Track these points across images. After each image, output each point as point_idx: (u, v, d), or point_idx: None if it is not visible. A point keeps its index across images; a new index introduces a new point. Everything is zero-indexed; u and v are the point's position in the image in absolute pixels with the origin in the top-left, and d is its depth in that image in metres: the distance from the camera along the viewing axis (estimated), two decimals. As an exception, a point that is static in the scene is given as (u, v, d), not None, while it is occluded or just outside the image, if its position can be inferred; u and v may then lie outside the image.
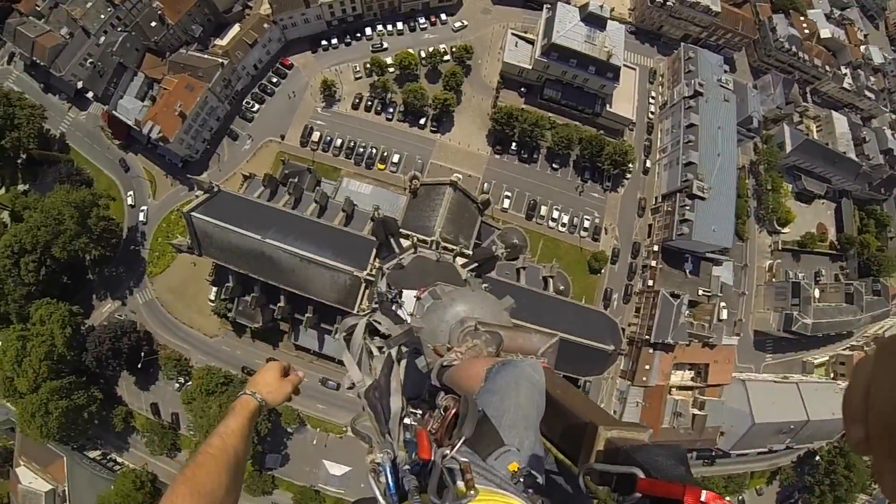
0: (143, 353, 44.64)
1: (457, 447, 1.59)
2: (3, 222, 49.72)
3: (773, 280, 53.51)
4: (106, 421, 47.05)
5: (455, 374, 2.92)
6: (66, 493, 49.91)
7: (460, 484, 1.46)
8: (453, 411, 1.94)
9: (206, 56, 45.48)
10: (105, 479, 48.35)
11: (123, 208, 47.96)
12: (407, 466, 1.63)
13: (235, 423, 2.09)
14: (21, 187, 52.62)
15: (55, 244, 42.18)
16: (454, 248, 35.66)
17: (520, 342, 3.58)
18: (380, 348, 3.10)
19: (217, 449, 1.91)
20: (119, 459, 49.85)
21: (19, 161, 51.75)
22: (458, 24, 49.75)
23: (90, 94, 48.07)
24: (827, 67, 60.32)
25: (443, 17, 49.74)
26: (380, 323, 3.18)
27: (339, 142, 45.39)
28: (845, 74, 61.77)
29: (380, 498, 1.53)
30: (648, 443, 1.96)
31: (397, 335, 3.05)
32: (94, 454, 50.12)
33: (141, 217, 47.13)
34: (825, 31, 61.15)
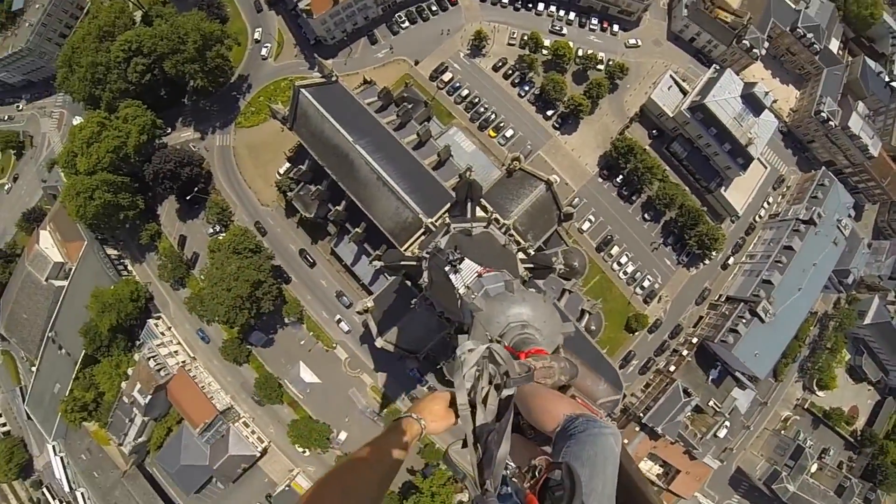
0: (196, 189, 46.53)
1: None
2: (133, 19, 52.03)
3: (782, 432, 51.17)
4: (136, 230, 49.70)
5: (527, 395, 2.74)
6: (72, 272, 53.34)
7: None
8: (545, 474, 1.84)
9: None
10: (110, 277, 51.32)
11: (244, 55, 49.42)
12: None
13: (397, 442, 2.15)
14: (163, -4, 54.78)
15: (169, 59, 43.97)
16: (521, 242, 35.33)
17: (588, 384, 3.46)
18: (491, 377, 2.99)
19: (374, 459, 1.97)
20: (130, 268, 52.78)
21: (173, -27, 53.68)
22: (631, 41, 48.50)
23: (263, -60, 49.13)
24: (947, 265, 55.89)
25: (615, 27, 48.41)
26: (499, 354, 3.10)
27: (465, 92, 45.42)
28: (961, 281, 57.12)
29: None
30: None
31: (519, 376, 2.93)
32: (111, 252, 53.21)
33: (263, 52, 48.43)
34: (965, 230, 56.44)
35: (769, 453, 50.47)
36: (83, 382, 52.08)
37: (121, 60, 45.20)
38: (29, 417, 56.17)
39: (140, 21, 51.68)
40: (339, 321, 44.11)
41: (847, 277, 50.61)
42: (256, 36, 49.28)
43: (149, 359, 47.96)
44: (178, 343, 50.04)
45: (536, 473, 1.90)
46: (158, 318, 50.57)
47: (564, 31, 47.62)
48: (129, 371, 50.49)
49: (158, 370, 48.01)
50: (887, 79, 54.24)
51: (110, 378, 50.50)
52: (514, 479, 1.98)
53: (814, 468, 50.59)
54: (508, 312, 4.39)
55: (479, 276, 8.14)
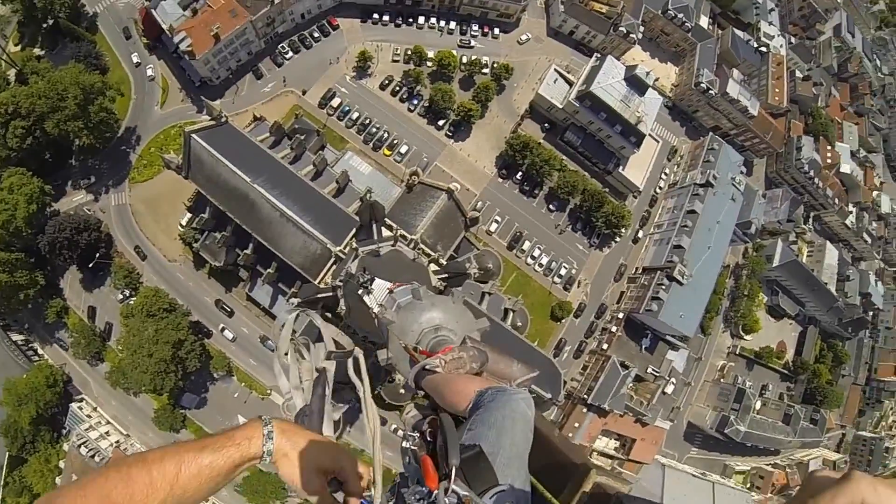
0: (98, 254, 43.60)
1: (452, 479, 1.54)
2: (6, 79, 48.24)
3: (721, 380, 54.78)
4: (39, 309, 45.80)
5: (440, 384, 2.82)
6: (-23, 366, 48.37)
7: None
8: (432, 431, 1.92)
9: (258, -11, 44.94)
10: (20, 365, 46.94)
11: (128, 105, 47.02)
12: (414, 496, 1.54)
13: (212, 461, 1.38)
14: (37, 51, 51.14)
15: (50, 118, 41.05)
16: (431, 253, 35.76)
17: (501, 367, 3.68)
18: (306, 347, 2.87)
19: (164, 479, 1.27)
20: (40, 351, 48.52)
21: (45, 25, 50.19)
22: (524, 37, 50.03)
23: (133, -14, 47.17)
24: (836, 200, 62.27)
25: (496, 31, 50.16)
26: (315, 319, 3.01)
27: (355, 115, 45.40)
28: (850, 212, 63.86)
29: None
30: (630, 495, 2.05)
31: (338, 353, 2.77)
32: (17, 337, 48.69)
33: (149, 72, 46.53)
34: (846, 167, 63.19)
35: (714, 402, 53.91)
36: (14, 487, 47.27)
37: (-2, 126, 41.69)
38: (-40, 540, 50.13)
39: (14, 80, 47.97)
40: (222, 329, 42.90)
41: (750, 228, 55.13)
42: (135, 59, 47.00)
43: (79, 446, 44.22)
44: (108, 422, 46.53)
45: (428, 437, 1.93)
46: (81, 399, 46.80)
47: (474, 44, 48.60)
48: (61, 464, 46.35)
49: (92, 456, 44.36)
50: (755, 45, 59.84)
51: (42, 476, 46.13)
52: (413, 448, 1.98)
53: (758, 405, 54.57)
54: (420, 319, 4.39)
55: (391, 291, 7.93)
